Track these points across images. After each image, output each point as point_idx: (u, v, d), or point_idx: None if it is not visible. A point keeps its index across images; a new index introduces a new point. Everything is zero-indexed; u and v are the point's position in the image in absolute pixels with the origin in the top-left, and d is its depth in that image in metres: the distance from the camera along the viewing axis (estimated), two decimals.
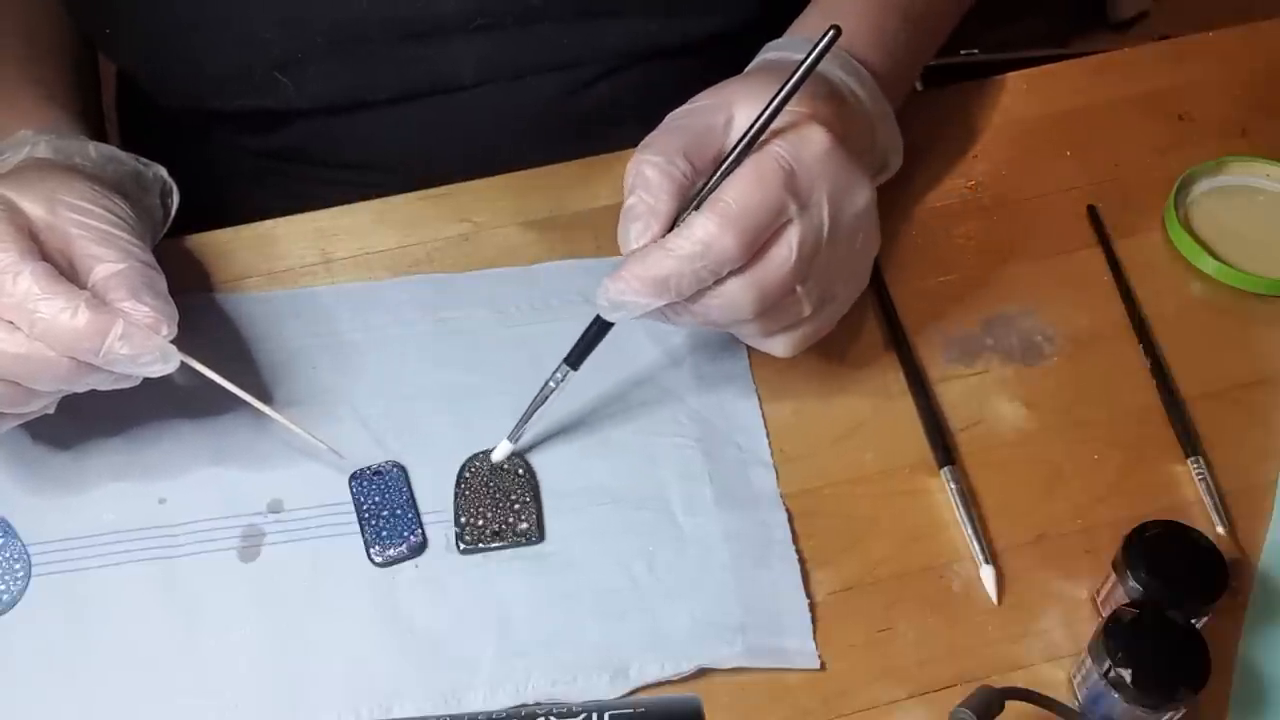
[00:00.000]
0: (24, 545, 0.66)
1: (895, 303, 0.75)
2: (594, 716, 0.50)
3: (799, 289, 0.62)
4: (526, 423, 0.67)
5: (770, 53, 0.71)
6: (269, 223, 0.78)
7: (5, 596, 0.64)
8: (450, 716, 0.53)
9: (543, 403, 0.66)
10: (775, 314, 0.63)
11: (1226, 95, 0.84)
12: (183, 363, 0.62)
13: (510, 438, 0.67)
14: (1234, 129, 0.82)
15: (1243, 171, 0.79)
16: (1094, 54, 0.87)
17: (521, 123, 0.83)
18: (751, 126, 0.60)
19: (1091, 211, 0.79)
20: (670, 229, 0.60)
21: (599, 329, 0.65)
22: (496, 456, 0.68)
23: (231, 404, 0.69)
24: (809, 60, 0.59)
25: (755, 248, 0.60)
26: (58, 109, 0.76)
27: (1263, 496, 0.68)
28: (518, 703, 0.61)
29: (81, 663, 0.63)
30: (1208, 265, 0.75)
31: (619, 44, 0.82)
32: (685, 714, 0.50)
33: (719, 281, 0.60)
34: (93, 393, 0.63)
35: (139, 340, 0.59)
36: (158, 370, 0.60)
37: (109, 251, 0.61)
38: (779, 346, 0.65)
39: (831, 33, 0.59)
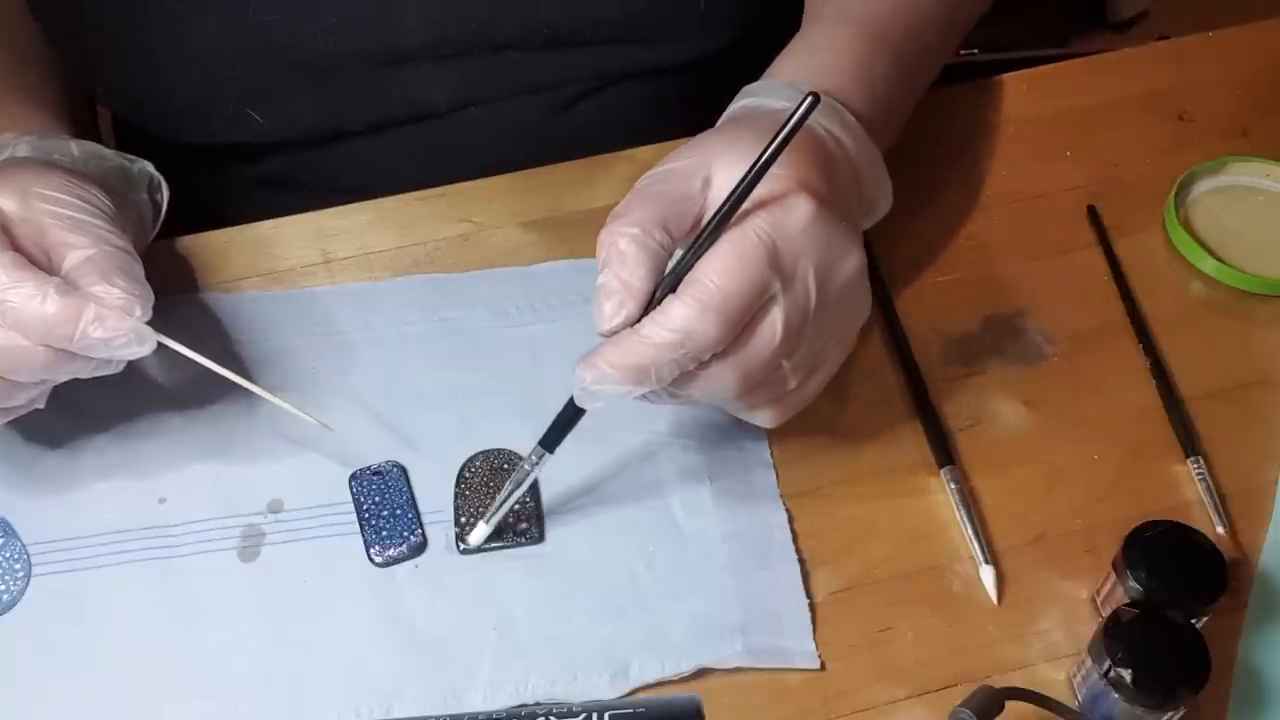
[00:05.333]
0: (24, 545, 0.66)
1: (895, 303, 0.75)
2: (594, 716, 0.50)
3: (785, 364, 0.59)
4: (502, 507, 0.64)
5: (747, 99, 0.67)
6: (268, 223, 0.78)
7: (5, 596, 0.64)
8: (450, 716, 0.53)
9: (518, 485, 0.64)
10: (760, 390, 0.60)
11: (1226, 95, 0.84)
12: (170, 356, 0.61)
13: (486, 521, 0.65)
14: (1234, 129, 0.82)
15: (1243, 171, 0.79)
16: (1094, 54, 0.87)
17: (504, 146, 0.82)
18: (727, 200, 0.56)
19: (1091, 211, 0.79)
20: (647, 306, 0.57)
21: (575, 413, 0.61)
22: (473, 540, 0.66)
23: (231, 404, 0.69)
24: (785, 131, 0.55)
25: (738, 330, 0.57)
26: (45, 114, 0.76)
27: (1263, 496, 0.68)
28: (518, 703, 0.61)
29: (81, 663, 0.63)
30: (1208, 265, 0.75)
31: (595, 68, 0.81)
32: (685, 714, 0.50)
33: (702, 365, 0.57)
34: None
35: (112, 323, 0.58)
36: (134, 352, 0.60)
37: (80, 238, 0.61)
38: (764, 419, 0.63)
39: (809, 100, 0.54)
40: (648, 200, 0.58)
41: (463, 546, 0.66)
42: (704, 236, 0.57)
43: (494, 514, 0.65)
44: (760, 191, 0.57)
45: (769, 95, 0.66)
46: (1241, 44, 0.86)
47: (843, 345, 0.63)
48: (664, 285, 0.57)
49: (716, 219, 0.56)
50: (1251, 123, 0.82)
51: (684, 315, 0.55)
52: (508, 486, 0.64)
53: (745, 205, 0.57)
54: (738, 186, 0.56)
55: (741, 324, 0.57)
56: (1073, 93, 0.84)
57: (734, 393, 0.59)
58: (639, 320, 0.57)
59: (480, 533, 0.65)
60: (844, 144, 0.65)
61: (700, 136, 0.62)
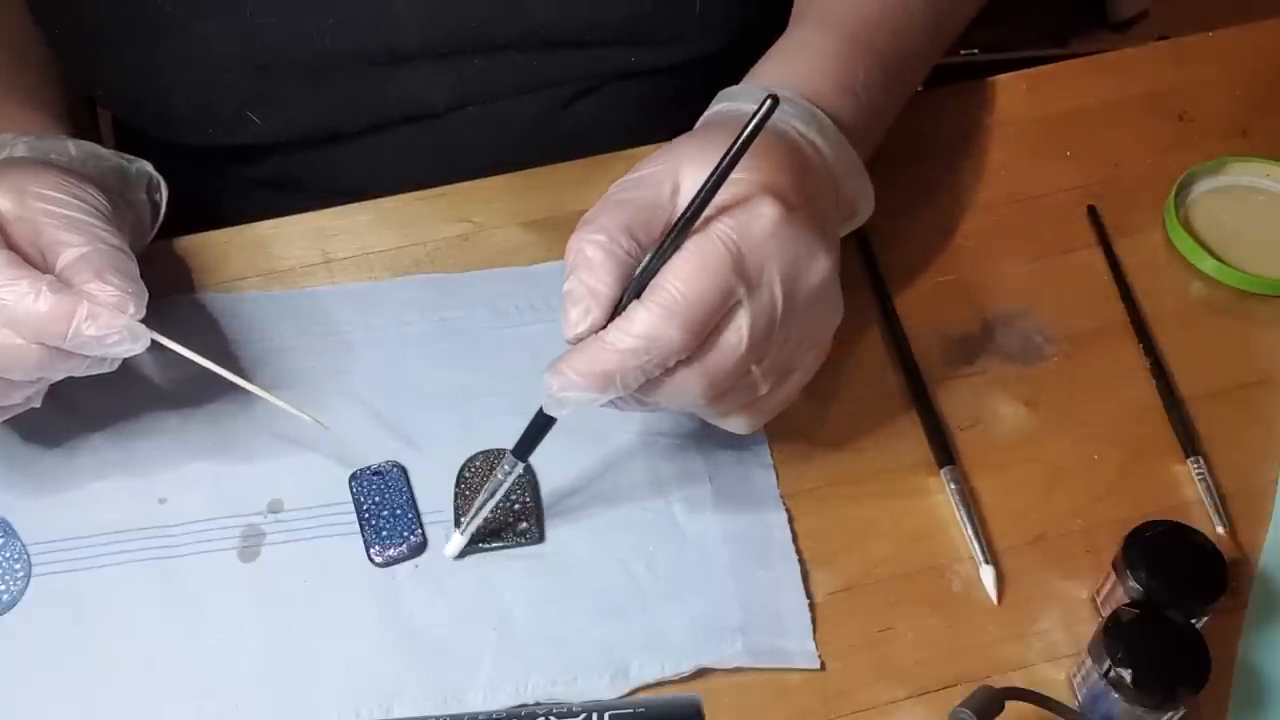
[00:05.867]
0: (24, 545, 0.66)
1: (895, 303, 0.75)
2: (594, 716, 0.50)
3: (754, 369, 0.59)
4: (476, 517, 0.64)
5: (723, 103, 0.66)
6: (268, 223, 0.78)
7: (5, 596, 0.64)
8: (450, 716, 0.53)
9: (493, 495, 0.64)
10: (730, 397, 0.60)
11: (1226, 95, 0.84)
12: (168, 355, 0.61)
13: (461, 531, 0.65)
14: (1234, 129, 0.82)
15: (1243, 171, 0.79)
16: (1094, 54, 0.87)
17: (502, 146, 0.82)
18: (690, 205, 0.56)
19: (1091, 211, 0.79)
20: (614, 312, 0.57)
21: (545, 421, 0.61)
22: (449, 551, 0.65)
23: (231, 403, 0.69)
24: (744, 135, 0.54)
25: (703, 336, 0.56)
26: (45, 115, 0.76)
27: (1263, 496, 0.68)
28: (518, 703, 0.61)
29: (81, 663, 0.63)
30: (1208, 265, 0.75)
31: (592, 68, 0.81)
32: (685, 714, 0.50)
33: (667, 371, 0.57)
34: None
35: (105, 320, 0.58)
36: (127, 350, 0.60)
37: (74, 236, 0.61)
38: (737, 425, 0.63)
39: (767, 104, 0.54)
40: (616, 207, 0.58)
41: (447, 554, 0.66)
42: (668, 242, 0.56)
43: (469, 524, 0.65)
44: (726, 197, 0.56)
45: (744, 99, 0.66)
46: (1241, 44, 0.86)
47: (816, 350, 0.62)
48: (629, 291, 0.57)
49: (680, 224, 0.56)
50: (1251, 123, 0.82)
51: (647, 321, 0.55)
52: (482, 495, 0.64)
53: (712, 211, 0.56)
54: (700, 191, 0.56)
55: (705, 330, 0.56)
56: (1073, 93, 0.84)
57: (702, 399, 0.59)
58: (605, 327, 0.57)
59: (456, 544, 0.65)
60: (820, 149, 0.64)
61: (671, 142, 0.61)
